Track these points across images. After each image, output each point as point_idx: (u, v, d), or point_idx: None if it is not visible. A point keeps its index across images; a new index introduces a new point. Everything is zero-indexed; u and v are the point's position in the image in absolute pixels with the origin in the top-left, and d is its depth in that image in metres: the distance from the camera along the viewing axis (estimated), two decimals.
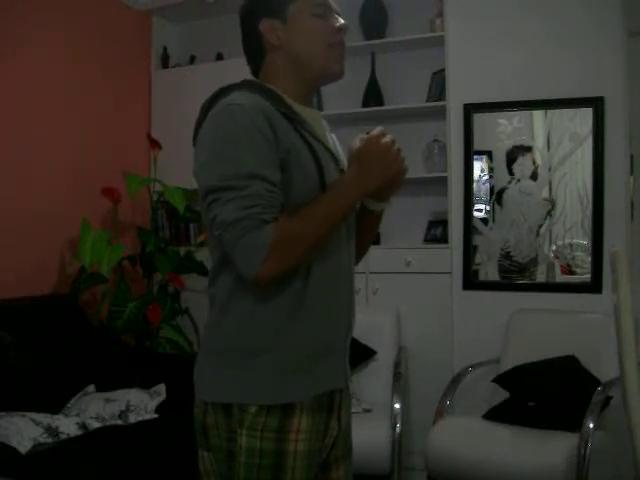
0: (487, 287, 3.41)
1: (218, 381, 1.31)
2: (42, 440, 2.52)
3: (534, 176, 3.34)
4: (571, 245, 3.30)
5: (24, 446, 2.43)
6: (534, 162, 3.34)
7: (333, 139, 1.50)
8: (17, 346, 2.84)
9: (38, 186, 3.43)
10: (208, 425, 1.31)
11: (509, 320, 3.26)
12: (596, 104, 3.21)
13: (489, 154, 3.45)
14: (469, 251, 3.43)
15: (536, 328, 3.19)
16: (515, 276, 3.36)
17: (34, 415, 2.61)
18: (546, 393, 2.83)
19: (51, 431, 2.58)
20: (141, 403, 2.94)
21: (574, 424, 2.59)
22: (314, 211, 1.25)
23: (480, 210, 3.44)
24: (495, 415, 2.88)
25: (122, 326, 3.45)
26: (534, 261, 3.34)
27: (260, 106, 1.27)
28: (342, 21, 1.41)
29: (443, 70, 3.54)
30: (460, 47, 3.45)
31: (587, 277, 3.24)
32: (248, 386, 1.28)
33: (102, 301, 3.56)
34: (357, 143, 1.32)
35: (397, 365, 3.35)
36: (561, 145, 3.29)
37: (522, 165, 3.36)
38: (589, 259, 3.23)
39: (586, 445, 2.44)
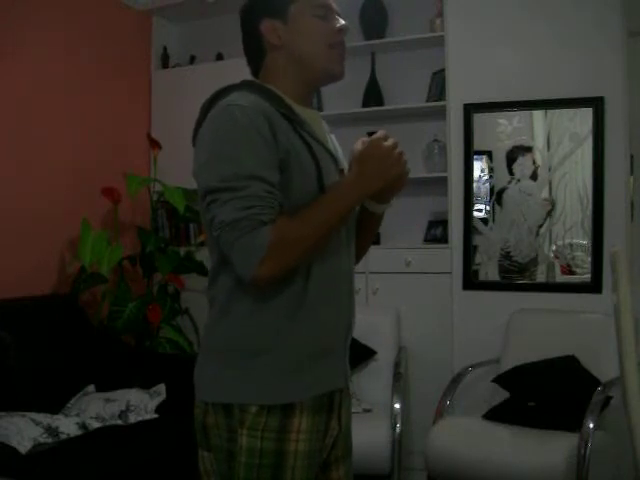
0: (487, 287, 3.41)
1: (218, 381, 1.31)
2: (42, 440, 2.52)
3: (534, 176, 3.34)
4: (571, 245, 3.30)
5: (24, 446, 2.43)
6: (534, 162, 3.34)
7: (333, 140, 1.50)
8: (17, 346, 2.84)
9: (38, 186, 3.43)
10: (208, 425, 1.32)
11: (509, 320, 3.26)
12: (596, 104, 3.21)
13: (489, 154, 3.45)
14: (469, 251, 3.43)
15: (536, 328, 3.19)
16: (515, 276, 3.36)
17: (34, 415, 2.61)
18: (546, 393, 2.83)
19: (51, 431, 2.58)
20: (141, 403, 2.94)
21: (574, 424, 2.59)
22: (313, 213, 1.25)
23: (480, 210, 3.44)
24: (495, 415, 2.88)
25: (122, 326, 3.45)
26: (534, 261, 3.34)
27: (260, 107, 1.27)
28: (343, 22, 1.41)
29: (443, 70, 3.54)
30: (460, 47, 3.45)
31: (587, 277, 3.24)
32: (248, 386, 1.28)
33: (102, 301, 3.56)
34: (359, 146, 1.32)
35: (397, 365, 3.35)
36: (561, 145, 3.29)
37: (522, 165, 3.36)
38: (589, 259, 3.23)
39: (586, 445, 2.44)
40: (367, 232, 1.50)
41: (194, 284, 3.76)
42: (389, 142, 1.30)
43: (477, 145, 3.45)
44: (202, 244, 3.82)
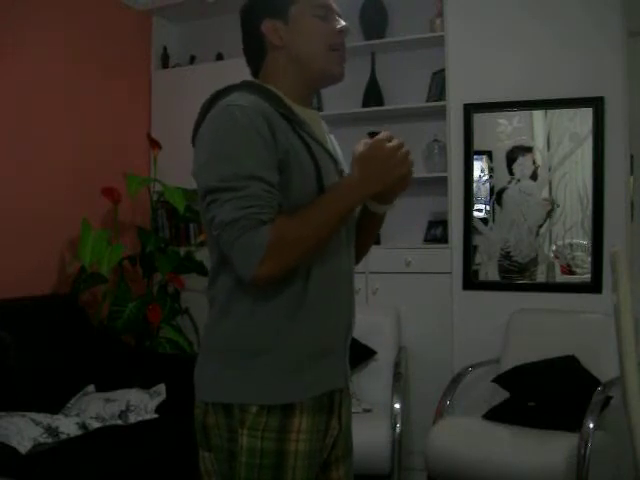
0: (487, 287, 3.41)
1: (218, 381, 1.31)
2: (42, 440, 2.52)
3: (534, 176, 3.34)
4: (571, 245, 3.30)
5: (24, 446, 2.43)
6: (534, 162, 3.34)
7: (332, 140, 1.49)
8: (17, 346, 2.84)
9: (38, 186, 3.43)
10: (209, 425, 1.32)
11: (509, 320, 3.26)
12: (596, 104, 3.21)
13: (489, 154, 3.45)
14: (469, 251, 3.43)
15: (536, 328, 3.19)
16: (515, 276, 3.36)
17: (34, 415, 2.61)
18: (546, 393, 2.83)
19: (51, 431, 2.58)
20: (141, 403, 2.94)
21: (574, 424, 2.59)
22: (312, 213, 1.25)
23: (480, 210, 3.44)
24: (495, 415, 2.88)
25: (122, 326, 3.45)
26: (534, 261, 3.34)
27: (259, 107, 1.27)
28: (343, 23, 1.41)
29: (443, 70, 3.54)
30: (460, 47, 3.45)
31: (587, 277, 3.24)
32: (248, 386, 1.28)
33: (102, 301, 3.56)
34: (360, 147, 1.31)
35: (397, 365, 3.35)
36: (561, 145, 3.29)
37: (522, 165, 3.36)
38: (589, 259, 3.23)
39: (586, 445, 2.44)
40: (368, 232, 1.50)
41: (194, 284, 3.76)
42: (394, 143, 1.29)
43: (477, 145, 3.45)
44: (202, 244, 3.82)
